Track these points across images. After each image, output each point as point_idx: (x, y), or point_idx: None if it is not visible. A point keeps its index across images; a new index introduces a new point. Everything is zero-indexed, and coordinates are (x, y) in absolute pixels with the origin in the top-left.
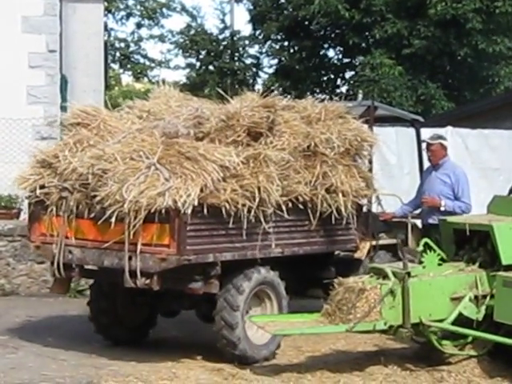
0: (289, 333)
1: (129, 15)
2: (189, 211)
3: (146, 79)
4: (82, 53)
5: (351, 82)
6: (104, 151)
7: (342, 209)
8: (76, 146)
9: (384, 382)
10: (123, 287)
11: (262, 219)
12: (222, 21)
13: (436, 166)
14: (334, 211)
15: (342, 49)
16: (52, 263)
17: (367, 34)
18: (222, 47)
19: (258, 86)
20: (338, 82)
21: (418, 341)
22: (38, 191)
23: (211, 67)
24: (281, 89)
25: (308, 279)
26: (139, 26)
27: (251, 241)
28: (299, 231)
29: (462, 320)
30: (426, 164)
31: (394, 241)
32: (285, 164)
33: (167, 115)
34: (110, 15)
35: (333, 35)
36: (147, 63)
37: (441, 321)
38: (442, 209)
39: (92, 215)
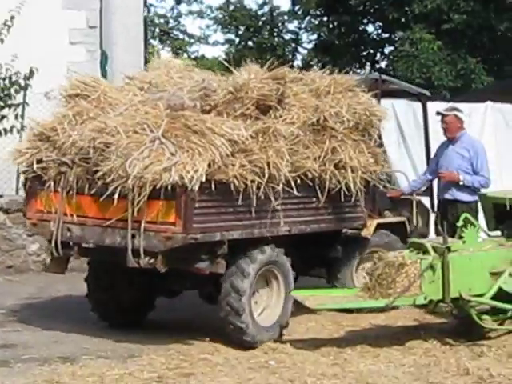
0: (329, 307)
1: None
2: (196, 187)
3: (185, 55)
4: (122, 29)
5: (390, 57)
6: (106, 124)
7: (351, 185)
8: (75, 118)
9: (423, 357)
10: (122, 266)
11: (272, 196)
12: None
13: (453, 140)
14: (344, 188)
15: (381, 24)
16: (49, 241)
17: (406, 8)
18: (261, 23)
19: (297, 62)
20: (378, 57)
21: (457, 315)
22: (36, 166)
23: (250, 43)
24: (320, 64)
25: (314, 258)
26: (178, 1)
27: (259, 218)
28: (307, 208)
29: (501, 295)
30: (433, 139)
31: (401, 219)
32: (294, 139)
33: (170, 87)
34: None
35: (372, 10)
36: (186, 39)
37: (481, 295)
38: (461, 183)
39: (93, 191)
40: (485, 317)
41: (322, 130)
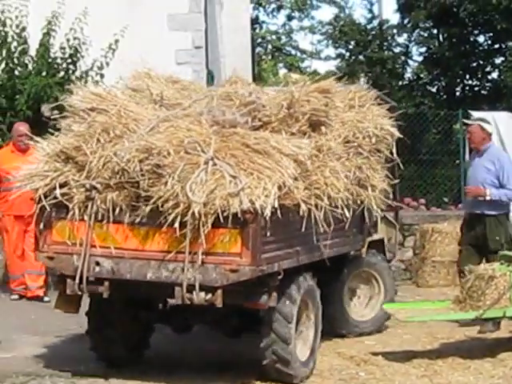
0: (419, 319)
1: (279, 8)
2: (268, 214)
3: (298, 71)
4: (228, 48)
5: (501, 67)
6: (153, 143)
7: (373, 204)
8: (102, 136)
9: None
10: (124, 302)
11: (331, 220)
12: (370, 11)
13: (479, 152)
14: (369, 207)
15: (491, 34)
16: (68, 277)
17: None
18: (370, 37)
19: (408, 75)
20: (488, 68)
21: None
22: (59, 191)
23: (360, 57)
24: (430, 76)
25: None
26: (290, 18)
27: (309, 245)
28: (335, 230)
29: None
30: None
31: (381, 236)
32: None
33: (182, 100)
34: (261, 8)
35: (482, 21)
36: (298, 55)
37: None
38: (488, 198)
39: (136, 220)
40: None
41: (349, 147)
